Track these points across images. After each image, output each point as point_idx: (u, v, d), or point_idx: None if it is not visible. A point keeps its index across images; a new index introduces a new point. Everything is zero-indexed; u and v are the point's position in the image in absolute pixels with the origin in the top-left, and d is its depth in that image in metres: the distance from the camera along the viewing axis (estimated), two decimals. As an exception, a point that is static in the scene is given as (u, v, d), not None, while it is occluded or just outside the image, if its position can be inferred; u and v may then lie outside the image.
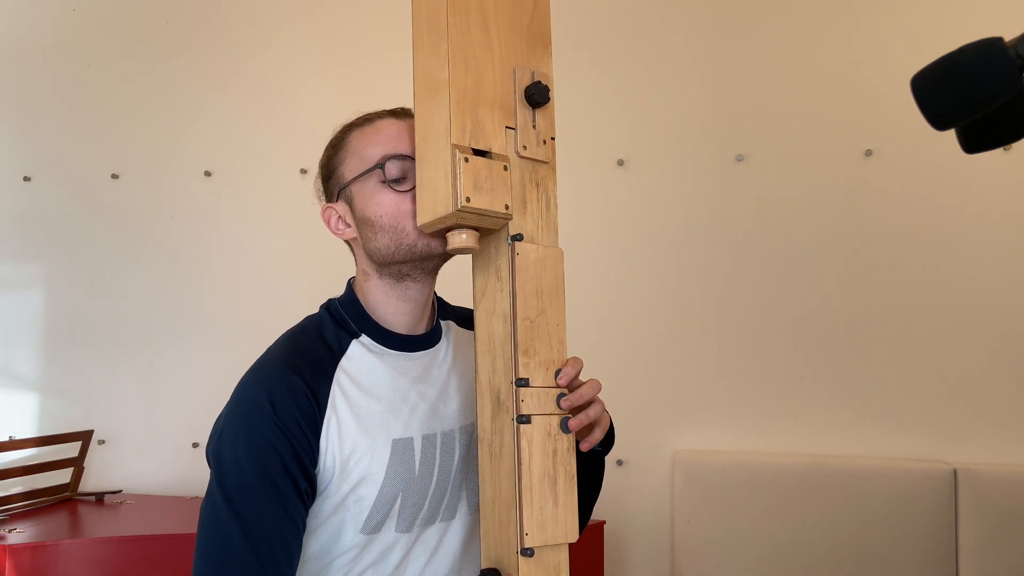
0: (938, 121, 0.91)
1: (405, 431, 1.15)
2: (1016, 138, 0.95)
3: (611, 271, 2.86)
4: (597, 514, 2.62)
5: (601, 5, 2.93)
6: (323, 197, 1.23)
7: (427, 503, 1.16)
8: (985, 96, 0.86)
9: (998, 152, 2.52)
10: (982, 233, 2.63)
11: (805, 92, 2.79)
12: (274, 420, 1.05)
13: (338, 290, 1.25)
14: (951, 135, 0.97)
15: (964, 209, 2.65)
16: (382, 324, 1.19)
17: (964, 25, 2.64)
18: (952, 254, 2.65)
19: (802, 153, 2.77)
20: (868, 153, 2.72)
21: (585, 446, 1.10)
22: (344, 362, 1.15)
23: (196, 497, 2.84)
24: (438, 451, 1.18)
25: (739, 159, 2.81)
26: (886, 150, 2.71)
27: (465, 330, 1.31)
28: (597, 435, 1.11)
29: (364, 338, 1.18)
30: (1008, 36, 0.86)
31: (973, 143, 0.97)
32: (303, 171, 2.99)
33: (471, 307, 1.14)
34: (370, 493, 1.10)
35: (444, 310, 1.32)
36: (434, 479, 1.17)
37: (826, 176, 2.75)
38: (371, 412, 1.13)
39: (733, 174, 2.82)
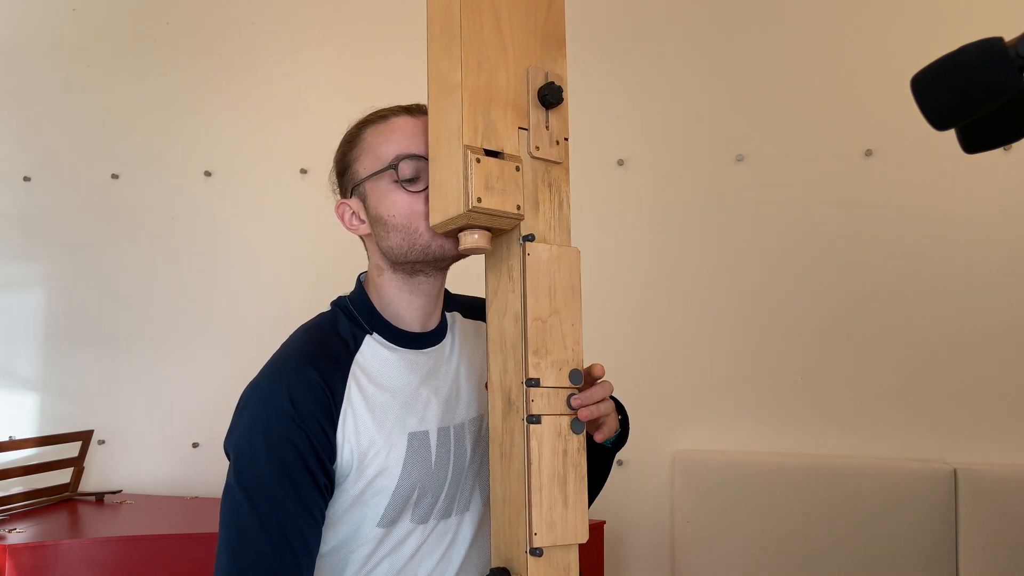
0: (938, 121, 0.91)
1: (420, 425, 1.16)
2: (1016, 138, 0.95)
3: (610, 271, 2.86)
4: (597, 514, 2.63)
5: (601, 6, 2.94)
6: (337, 192, 1.24)
7: (443, 495, 1.17)
8: (985, 96, 0.87)
9: (998, 152, 2.53)
10: (982, 233, 2.64)
11: (805, 92, 2.79)
12: (292, 414, 1.06)
13: (338, 290, 1.26)
14: (951, 135, 0.97)
15: (964, 209, 2.66)
16: (393, 321, 1.20)
17: (964, 25, 2.65)
18: (952, 254, 2.66)
19: (802, 153, 2.78)
20: (868, 153, 2.72)
21: (599, 437, 1.11)
22: (359, 357, 1.16)
23: (196, 497, 2.84)
24: (452, 444, 1.19)
25: (739, 159, 2.82)
26: (886, 150, 2.71)
27: (470, 320, 1.32)
28: (612, 423, 1.11)
29: (375, 335, 1.19)
30: (1008, 36, 0.86)
31: (973, 143, 0.97)
32: (303, 171, 2.99)
33: (478, 295, 1.15)
34: (388, 486, 1.12)
35: (450, 301, 1.33)
36: (450, 472, 1.18)
37: (826, 176, 2.76)
38: (387, 406, 1.14)
39: (733, 174, 2.82)
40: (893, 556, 2.51)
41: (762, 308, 2.78)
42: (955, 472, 2.52)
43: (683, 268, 2.84)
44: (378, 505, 1.12)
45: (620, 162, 2.89)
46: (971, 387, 2.63)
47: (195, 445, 2.96)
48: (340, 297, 1.24)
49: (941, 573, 2.48)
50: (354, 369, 1.14)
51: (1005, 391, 2.60)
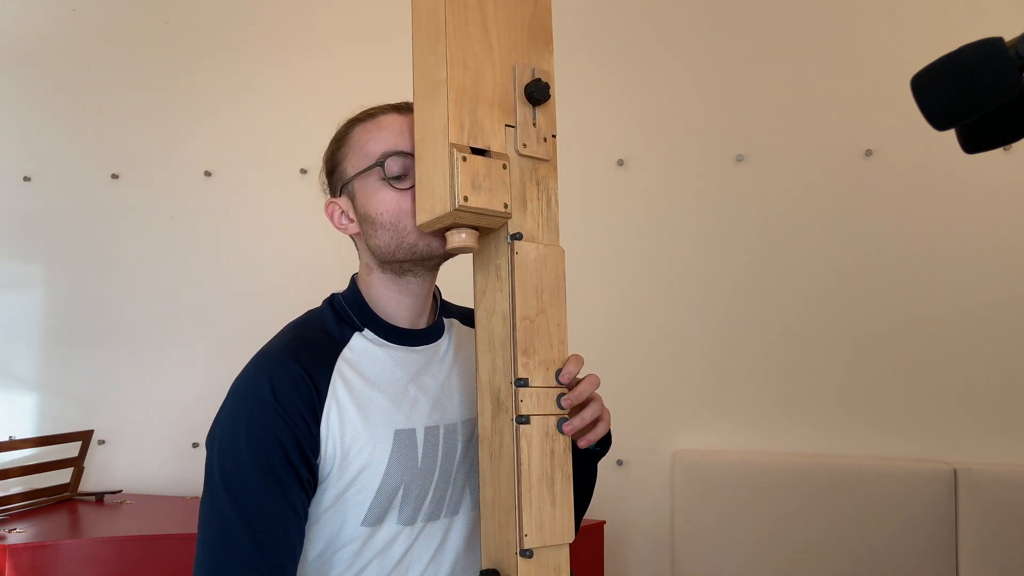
0: (938, 121, 0.90)
1: (408, 422, 1.15)
2: (1016, 138, 0.94)
3: (611, 271, 2.86)
4: (597, 514, 2.62)
5: (601, 5, 2.93)
6: (327, 191, 1.23)
7: (430, 496, 1.16)
8: (985, 96, 0.86)
9: (998, 152, 2.52)
10: (982, 233, 2.63)
11: (805, 92, 2.79)
12: (275, 408, 1.05)
13: (336, 289, 1.25)
14: (951, 135, 0.97)
15: (964, 209, 2.65)
16: (384, 318, 1.19)
17: (964, 25, 2.64)
18: (952, 254, 2.65)
19: (802, 153, 2.77)
20: (868, 153, 2.72)
21: (583, 443, 1.09)
22: (346, 352, 1.15)
23: (196, 497, 2.84)
24: (440, 444, 1.18)
25: (739, 159, 2.81)
26: (886, 150, 2.71)
27: (468, 327, 1.31)
28: (600, 429, 1.10)
29: (367, 331, 1.18)
30: (1008, 36, 0.86)
31: (973, 143, 0.97)
32: (303, 171, 2.99)
33: (472, 306, 1.14)
34: (372, 483, 1.10)
35: (447, 309, 1.32)
36: (437, 472, 1.17)
37: (826, 176, 2.75)
38: (373, 402, 1.13)
39: (733, 174, 2.82)
40: (893, 556, 2.50)
41: (762, 308, 2.78)
42: (955, 472, 2.51)
43: (683, 268, 2.83)
44: (362, 503, 1.11)
45: (620, 162, 2.88)
46: (971, 387, 2.62)
47: (195, 445, 2.96)
48: (333, 294, 1.24)
49: (941, 573, 2.48)
50: (340, 364, 1.13)
51: (1005, 391, 2.60)
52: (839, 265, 2.73)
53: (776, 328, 2.76)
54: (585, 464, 1.22)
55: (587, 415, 1.07)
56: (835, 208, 2.74)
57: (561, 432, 1.04)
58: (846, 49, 2.77)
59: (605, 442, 1.21)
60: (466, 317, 1.33)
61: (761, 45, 2.84)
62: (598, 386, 1.10)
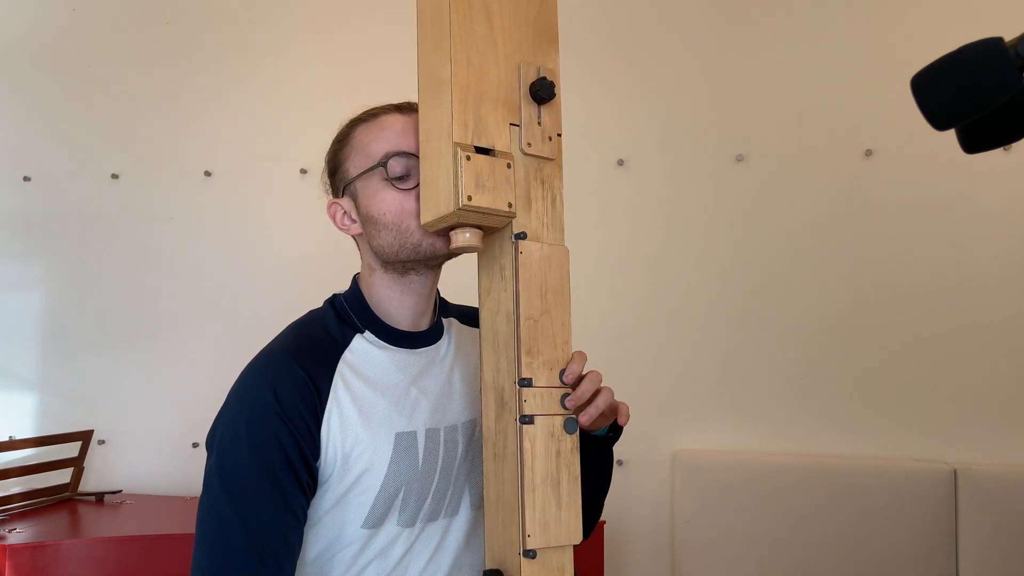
0: (938, 121, 0.90)
1: (408, 425, 1.15)
2: (1016, 138, 0.94)
3: (610, 271, 2.86)
4: (597, 514, 2.62)
5: (601, 5, 2.93)
6: (329, 192, 1.23)
7: (430, 498, 1.16)
8: (985, 96, 0.86)
9: (998, 152, 2.52)
10: (982, 233, 2.63)
11: (805, 92, 2.79)
12: (276, 411, 1.05)
13: (338, 289, 1.25)
14: (951, 135, 0.97)
15: (964, 209, 2.65)
16: (386, 320, 1.19)
17: (963, 25, 2.64)
18: (952, 254, 2.65)
19: (802, 153, 2.77)
20: (868, 153, 2.72)
21: (584, 418, 1.06)
22: (347, 354, 1.15)
23: (196, 497, 2.83)
24: (441, 446, 1.18)
25: (739, 159, 2.81)
26: (886, 150, 2.71)
27: (468, 327, 1.31)
28: (601, 401, 1.09)
29: (367, 333, 1.18)
30: (1008, 36, 0.86)
31: (973, 143, 0.97)
32: (303, 171, 2.99)
33: (474, 305, 1.14)
34: (373, 486, 1.10)
35: (446, 308, 1.32)
36: (437, 473, 1.17)
37: (826, 176, 2.75)
38: (374, 405, 1.13)
39: (733, 174, 2.82)
40: (893, 556, 2.50)
41: (762, 308, 2.78)
42: (955, 472, 2.51)
43: (683, 268, 2.83)
44: (363, 505, 1.11)
45: (620, 162, 2.88)
46: (971, 387, 2.62)
47: (195, 445, 2.96)
48: (335, 295, 1.24)
49: (941, 573, 2.48)
50: (341, 366, 1.13)
51: (1005, 391, 2.60)
52: (839, 265, 2.73)
53: (776, 328, 2.77)
54: (598, 452, 1.22)
55: (600, 403, 1.07)
56: (835, 208, 2.74)
57: (568, 432, 1.04)
58: (846, 49, 2.77)
59: (615, 425, 1.20)
60: (465, 316, 1.33)
61: (761, 45, 2.84)
62: (600, 382, 1.09)
